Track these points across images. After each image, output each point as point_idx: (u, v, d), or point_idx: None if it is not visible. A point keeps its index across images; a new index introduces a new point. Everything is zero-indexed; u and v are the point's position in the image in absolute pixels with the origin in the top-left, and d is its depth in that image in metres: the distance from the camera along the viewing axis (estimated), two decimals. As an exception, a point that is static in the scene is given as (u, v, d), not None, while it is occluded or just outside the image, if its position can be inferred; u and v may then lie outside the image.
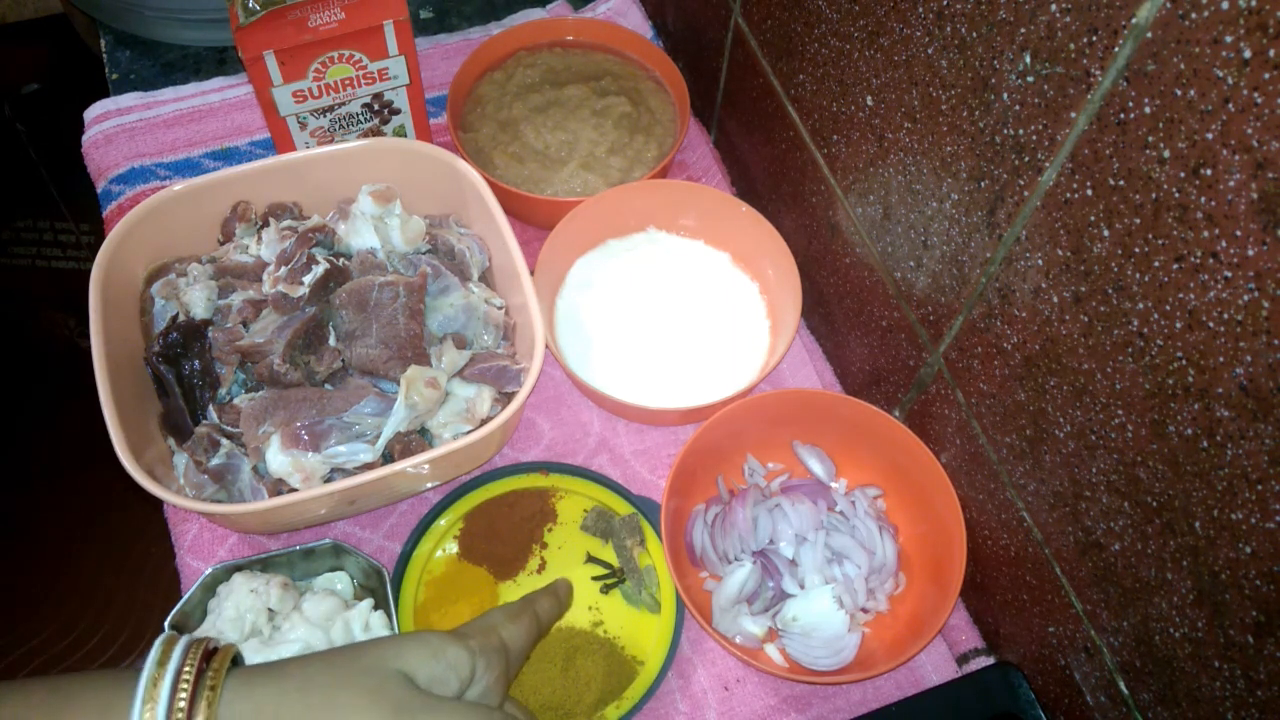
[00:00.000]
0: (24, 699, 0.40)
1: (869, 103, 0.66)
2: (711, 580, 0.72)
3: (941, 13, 0.55)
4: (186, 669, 0.41)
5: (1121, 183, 0.46)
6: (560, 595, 0.61)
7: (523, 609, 0.56)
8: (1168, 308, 0.45)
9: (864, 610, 0.71)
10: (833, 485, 0.76)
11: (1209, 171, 0.41)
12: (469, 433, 0.69)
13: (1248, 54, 0.38)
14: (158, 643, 0.43)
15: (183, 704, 0.40)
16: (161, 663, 0.41)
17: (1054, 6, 0.47)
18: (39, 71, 1.92)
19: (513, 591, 0.72)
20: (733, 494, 0.74)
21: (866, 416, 0.73)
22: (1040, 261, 0.54)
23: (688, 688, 0.69)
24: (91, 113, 0.95)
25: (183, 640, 0.43)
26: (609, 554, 0.73)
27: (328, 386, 0.71)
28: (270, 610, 0.64)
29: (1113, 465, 0.53)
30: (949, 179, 0.60)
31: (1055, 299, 0.53)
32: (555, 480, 0.76)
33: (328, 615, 0.64)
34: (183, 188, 0.74)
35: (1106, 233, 0.48)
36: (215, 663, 0.43)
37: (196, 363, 0.71)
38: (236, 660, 0.45)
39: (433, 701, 0.45)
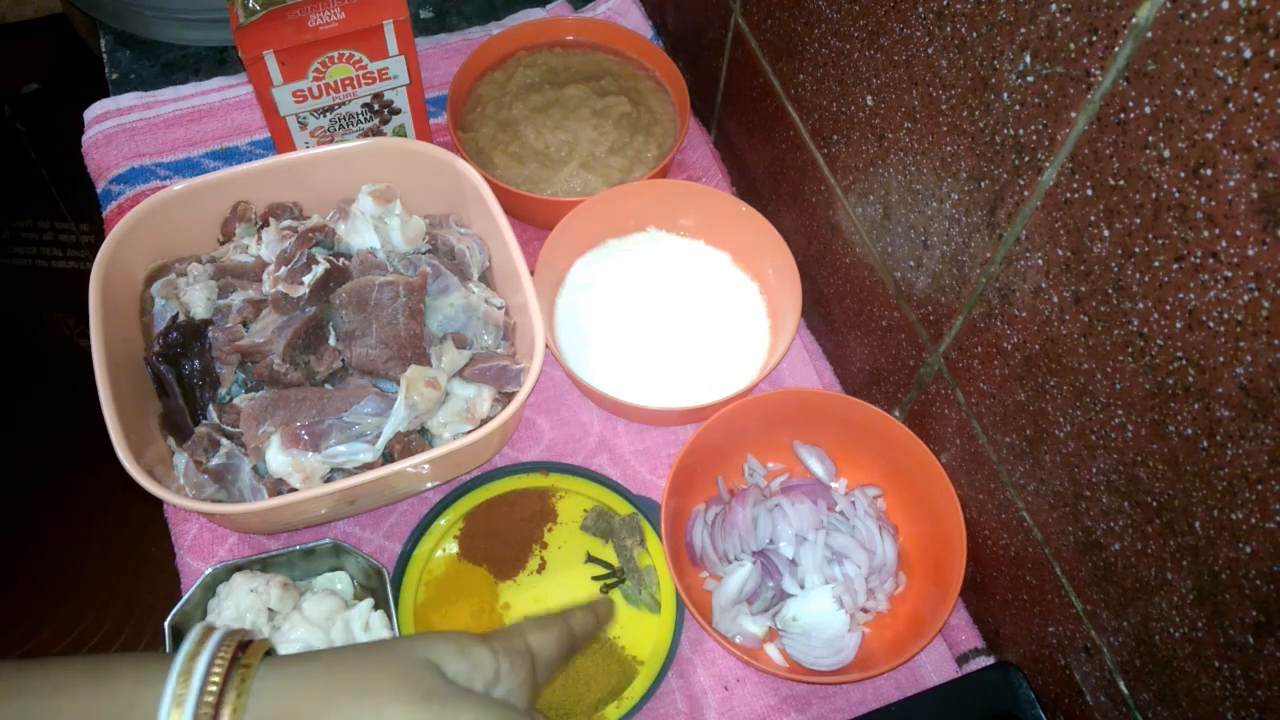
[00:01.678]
0: (68, 668, 0.42)
1: (869, 103, 0.66)
2: (711, 580, 0.72)
3: (941, 13, 0.55)
4: (222, 652, 0.43)
5: (1121, 183, 0.46)
6: (599, 613, 0.60)
7: (555, 619, 0.55)
8: (1168, 308, 0.45)
9: (864, 610, 0.71)
10: (833, 485, 0.76)
11: (1209, 171, 0.41)
12: (469, 433, 0.69)
13: (1248, 54, 0.38)
14: (195, 628, 0.44)
15: (216, 679, 0.41)
16: (200, 641, 0.43)
17: (1054, 6, 0.47)
18: (39, 71, 1.91)
19: (513, 591, 0.72)
20: (733, 494, 0.74)
21: (866, 416, 0.73)
22: (1040, 261, 0.54)
23: (688, 688, 0.69)
24: (91, 113, 0.95)
25: (221, 628, 0.44)
26: (609, 554, 0.73)
27: (328, 386, 0.71)
28: (270, 610, 0.64)
29: (1113, 465, 0.53)
30: (949, 179, 0.60)
31: (1055, 299, 0.53)
32: (555, 480, 0.76)
33: (328, 615, 0.64)
34: (183, 188, 0.74)
35: (1106, 233, 0.48)
36: (252, 649, 0.44)
37: (196, 363, 0.71)
38: (271, 652, 0.46)
39: (460, 692, 0.45)
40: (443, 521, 0.73)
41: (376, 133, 0.87)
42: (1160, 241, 0.45)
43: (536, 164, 0.88)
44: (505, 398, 0.73)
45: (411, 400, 0.67)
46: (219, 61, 1.01)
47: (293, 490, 0.65)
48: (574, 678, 0.67)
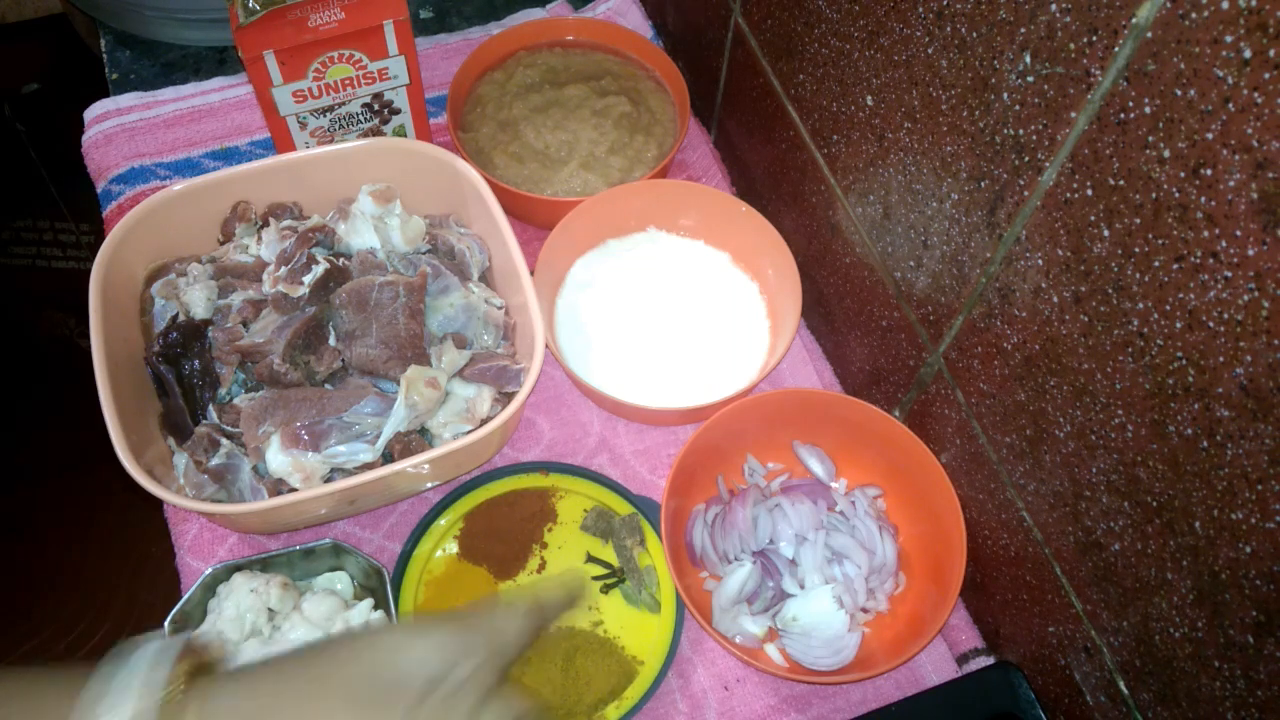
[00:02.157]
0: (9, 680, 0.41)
1: (869, 103, 0.66)
2: (711, 580, 0.72)
3: (941, 13, 0.55)
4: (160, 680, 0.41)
5: (1121, 183, 0.46)
6: (567, 583, 0.58)
7: (522, 594, 0.54)
8: (1168, 308, 0.45)
9: (864, 610, 0.71)
10: (833, 485, 0.76)
11: (1209, 171, 0.41)
12: (469, 433, 0.69)
13: (1248, 54, 0.38)
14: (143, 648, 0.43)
15: None
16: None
17: (1054, 6, 0.47)
18: (39, 71, 1.91)
19: (513, 592, 0.72)
20: (733, 494, 0.74)
21: (866, 416, 0.73)
22: (1040, 261, 0.54)
23: (688, 688, 0.69)
24: (91, 113, 0.95)
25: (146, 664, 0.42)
26: (609, 554, 0.73)
27: (328, 386, 0.71)
28: (270, 610, 0.64)
29: (1113, 465, 0.53)
30: (949, 179, 0.60)
31: (1055, 299, 0.53)
32: (555, 480, 0.76)
33: (328, 615, 0.64)
34: (183, 188, 0.74)
35: (1106, 233, 0.48)
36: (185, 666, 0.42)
37: (196, 363, 0.71)
38: (214, 667, 0.44)
39: (408, 694, 0.44)
40: (443, 521, 0.73)
41: (376, 133, 0.87)
42: (1160, 241, 0.45)
43: (536, 164, 0.88)
44: (505, 398, 0.73)
45: (411, 400, 0.67)
46: (219, 61, 1.01)
47: (293, 490, 0.65)
48: (574, 678, 0.67)
